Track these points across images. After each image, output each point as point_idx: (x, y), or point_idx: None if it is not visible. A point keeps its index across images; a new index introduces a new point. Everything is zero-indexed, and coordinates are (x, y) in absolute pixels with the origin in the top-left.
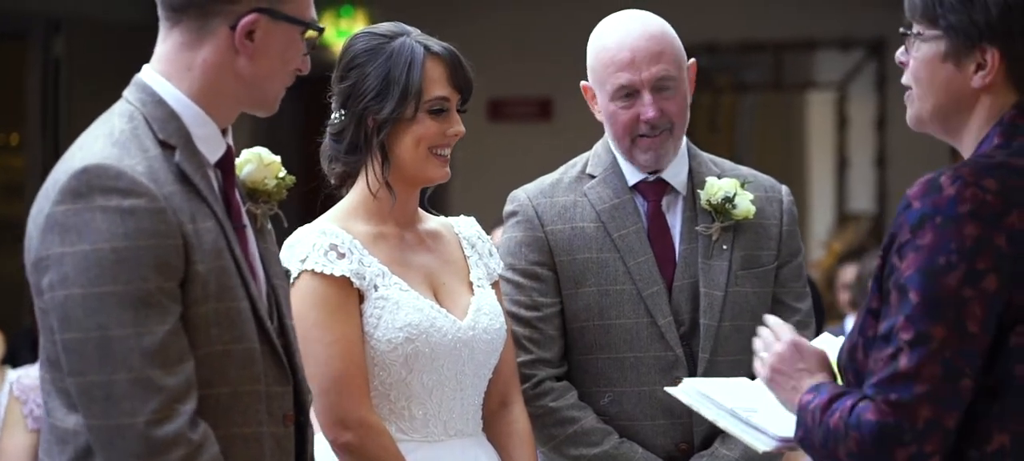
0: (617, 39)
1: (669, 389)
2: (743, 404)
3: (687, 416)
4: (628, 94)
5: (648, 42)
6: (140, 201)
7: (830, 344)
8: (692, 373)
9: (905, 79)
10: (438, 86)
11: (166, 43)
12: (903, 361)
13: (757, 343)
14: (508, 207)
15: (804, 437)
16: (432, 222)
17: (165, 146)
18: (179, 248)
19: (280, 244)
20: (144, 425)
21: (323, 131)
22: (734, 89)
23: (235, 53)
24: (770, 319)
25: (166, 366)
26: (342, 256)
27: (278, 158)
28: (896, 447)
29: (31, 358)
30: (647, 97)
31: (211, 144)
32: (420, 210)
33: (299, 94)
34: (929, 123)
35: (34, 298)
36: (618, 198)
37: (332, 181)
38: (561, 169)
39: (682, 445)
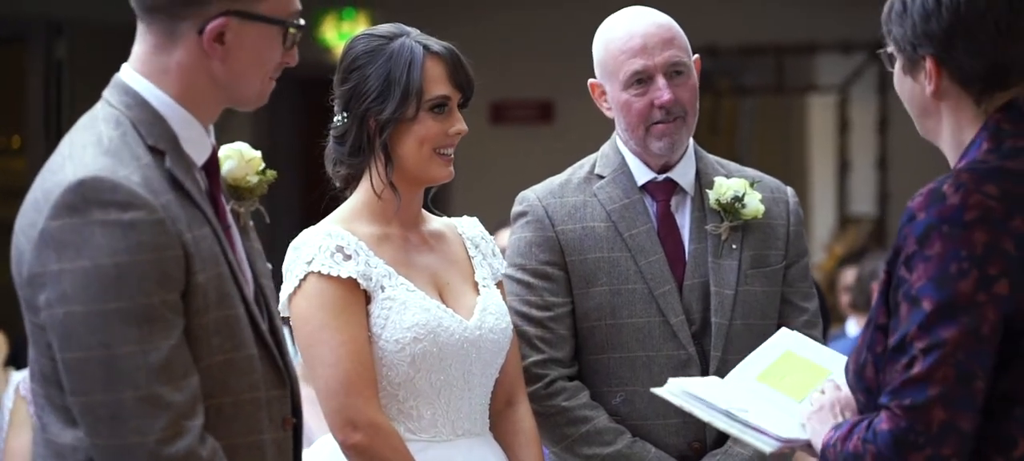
0: (626, 29)
1: (656, 390)
2: (734, 404)
3: (677, 439)
4: (641, 80)
5: (659, 29)
6: (140, 213)
7: (837, 363)
8: (704, 372)
9: None
10: (439, 85)
11: (143, 44)
12: (917, 367)
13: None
14: (517, 208)
15: None
16: (435, 223)
17: (155, 152)
18: (180, 259)
19: (275, 236)
20: (154, 444)
21: (326, 134)
22: (735, 92)
23: (206, 56)
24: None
25: (173, 381)
26: (348, 257)
27: (259, 153)
28: (912, 453)
29: None
30: (661, 81)
31: (197, 146)
32: (423, 211)
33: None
34: (924, 134)
35: (26, 314)
36: (628, 198)
37: (337, 183)
38: (569, 170)
39: (695, 444)
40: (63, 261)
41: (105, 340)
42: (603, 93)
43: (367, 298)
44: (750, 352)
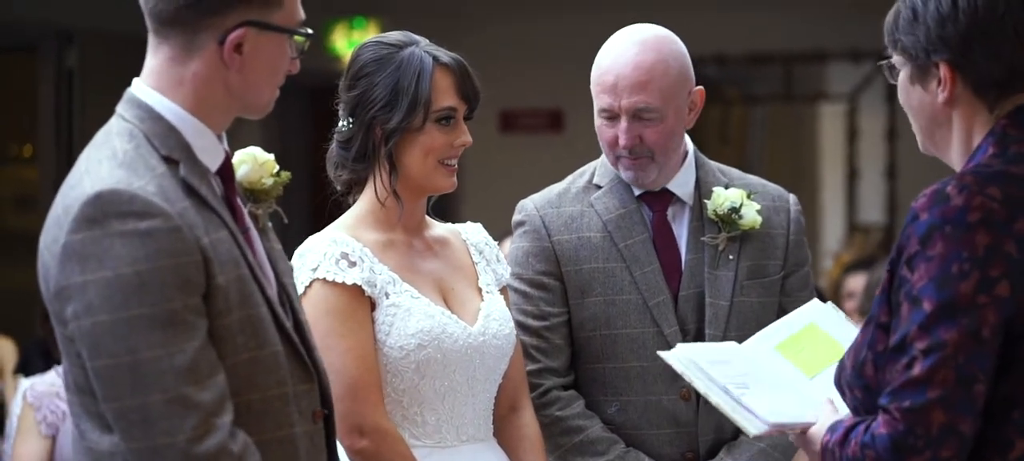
0: (610, 60)
1: (661, 353)
2: (735, 380)
3: (693, 425)
4: (610, 116)
5: (634, 71)
6: (156, 222)
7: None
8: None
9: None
10: (446, 96)
11: (156, 57)
12: (917, 368)
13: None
14: (516, 217)
15: None
16: (439, 229)
17: (169, 161)
18: (199, 264)
19: (284, 244)
20: (185, 443)
21: (330, 138)
22: (744, 101)
23: (225, 66)
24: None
25: (199, 382)
26: (353, 264)
27: (272, 156)
28: (911, 456)
29: (43, 367)
30: (623, 123)
31: (210, 153)
32: (427, 217)
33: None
34: (925, 146)
35: (56, 327)
36: (624, 208)
37: (338, 187)
38: (569, 179)
39: (688, 454)
40: (87, 273)
41: (131, 346)
42: None
43: (372, 305)
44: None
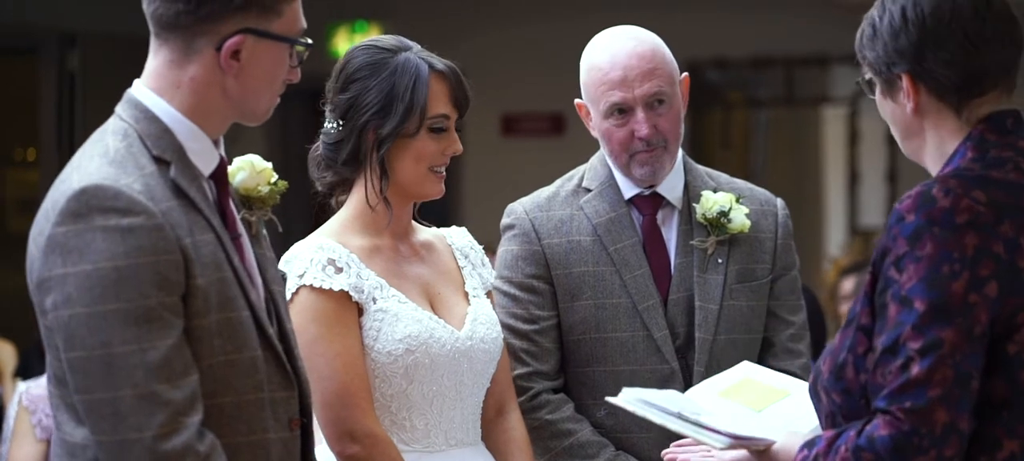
0: (609, 57)
1: (610, 399)
2: (687, 408)
3: (639, 431)
4: (622, 111)
5: (639, 60)
6: (138, 219)
7: (795, 385)
8: (688, 386)
9: None
10: (441, 104)
11: (156, 59)
12: (915, 369)
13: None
14: (505, 220)
15: None
16: (425, 233)
17: (160, 162)
18: (179, 263)
19: (277, 250)
20: (151, 439)
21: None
22: (746, 105)
23: (222, 72)
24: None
25: (171, 380)
26: (340, 270)
27: (269, 164)
28: (916, 455)
29: (42, 370)
30: (640, 114)
31: (204, 157)
32: (413, 222)
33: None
34: (907, 154)
35: (38, 317)
36: (614, 211)
37: (319, 188)
38: (558, 182)
39: None
40: (67, 265)
41: (105, 339)
42: (588, 114)
43: (359, 310)
44: (734, 366)
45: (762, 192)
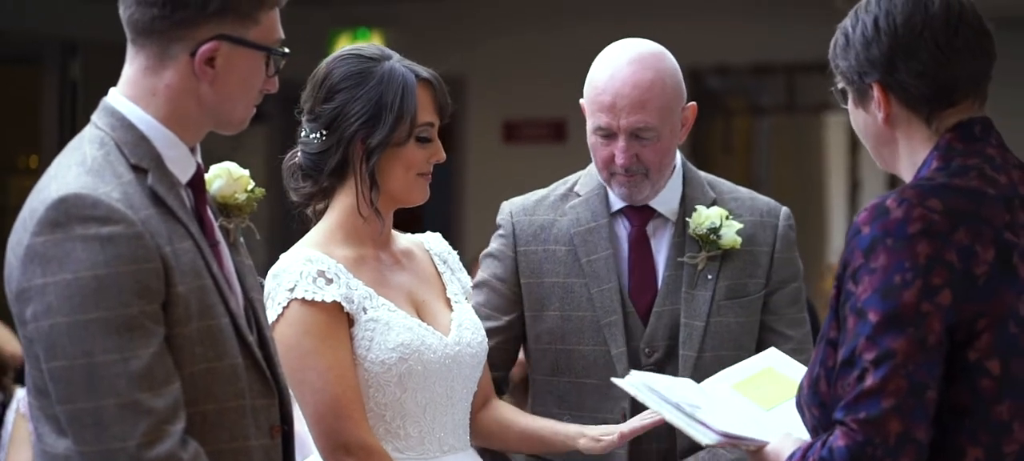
0: (606, 78)
1: (615, 380)
2: (688, 400)
3: (648, 443)
4: (606, 134)
5: (632, 90)
6: (118, 228)
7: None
8: (636, 407)
9: None
10: (427, 112)
11: (132, 66)
12: (869, 379)
13: None
14: (498, 216)
15: None
16: (403, 241)
17: (137, 170)
18: (159, 271)
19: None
20: (135, 448)
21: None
22: (748, 111)
23: (196, 79)
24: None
25: (153, 388)
26: (330, 281)
27: (247, 172)
28: None
29: None
30: (621, 142)
31: (182, 164)
32: (392, 230)
33: None
34: (879, 163)
35: (18, 328)
36: (595, 221)
37: (295, 198)
38: (554, 185)
39: None
40: (47, 275)
41: (87, 349)
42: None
43: (350, 321)
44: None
45: (765, 202)
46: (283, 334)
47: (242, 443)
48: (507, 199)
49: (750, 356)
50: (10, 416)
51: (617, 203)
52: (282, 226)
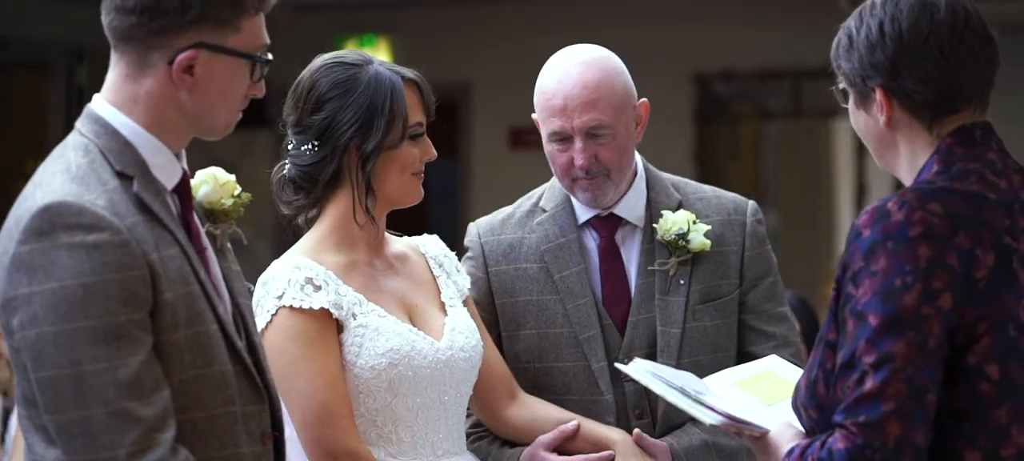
0: (555, 82)
1: (619, 366)
2: (692, 386)
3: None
4: (562, 139)
5: (582, 90)
6: (104, 235)
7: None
8: (642, 416)
9: None
10: (416, 112)
11: (114, 72)
12: (869, 383)
13: None
14: (465, 239)
15: None
16: (398, 244)
17: (122, 177)
18: (146, 278)
19: (262, 264)
20: (125, 457)
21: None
22: (755, 117)
23: (175, 87)
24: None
25: (142, 397)
26: (318, 288)
27: (233, 177)
28: None
29: None
30: (578, 143)
31: (167, 171)
32: (386, 233)
33: None
34: (880, 165)
35: (4, 338)
36: (564, 236)
37: (286, 211)
38: (518, 201)
39: None
40: (33, 284)
41: (74, 358)
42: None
43: (339, 328)
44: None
45: (731, 199)
46: (272, 342)
47: (233, 450)
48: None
49: (728, 358)
50: (13, 422)
51: (584, 215)
52: (288, 232)
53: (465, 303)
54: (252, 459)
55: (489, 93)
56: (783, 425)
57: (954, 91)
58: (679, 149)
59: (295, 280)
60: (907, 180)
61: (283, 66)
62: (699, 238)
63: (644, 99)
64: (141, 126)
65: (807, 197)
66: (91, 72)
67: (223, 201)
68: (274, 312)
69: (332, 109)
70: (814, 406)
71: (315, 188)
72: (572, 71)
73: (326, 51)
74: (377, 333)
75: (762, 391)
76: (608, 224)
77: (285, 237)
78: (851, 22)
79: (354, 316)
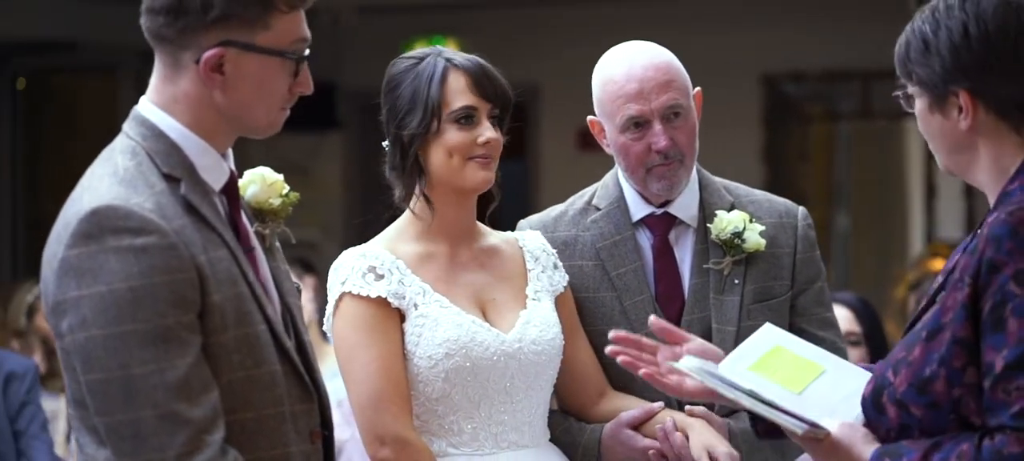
0: (624, 70)
1: (672, 363)
2: (757, 386)
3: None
4: (638, 124)
5: (656, 72)
6: (152, 238)
7: (828, 360)
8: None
9: None
10: (461, 96)
11: (156, 74)
12: None
13: None
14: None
15: None
16: (493, 238)
17: (170, 179)
18: (194, 281)
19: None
20: (174, 459)
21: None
22: (825, 118)
23: (206, 86)
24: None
25: (191, 398)
26: (381, 277)
27: (280, 177)
28: None
29: None
30: (657, 127)
31: (214, 172)
32: (481, 227)
33: None
34: (949, 169)
35: (55, 341)
36: (619, 234)
37: (397, 203)
38: (570, 200)
39: None
40: (82, 287)
41: (123, 361)
42: (602, 131)
43: (402, 317)
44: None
45: (782, 203)
46: (336, 327)
47: (282, 450)
48: None
49: None
50: (62, 424)
51: (638, 213)
52: (359, 231)
53: (558, 300)
54: (301, 458)
55: (557, 95)
56: (845, 425)
57: None
58: (747, 151)
59: (358, 268)
60: (989, 184)
61: (350, 68)
62: (754, 238)
63: (697, 88)
64: (186, 127)
65: (878, 199)
66: None
67: (271, 200)
68: (338, 298)
69: (390, 101)
70: (923, 404)
71: (398, 178)
72: (639, 57)
73: (394, 53)
74: (436, 324)
75: (783, 376)
76: (662, 222)
77: (353, 237)
78: (924, 26)
79: (416, 306)
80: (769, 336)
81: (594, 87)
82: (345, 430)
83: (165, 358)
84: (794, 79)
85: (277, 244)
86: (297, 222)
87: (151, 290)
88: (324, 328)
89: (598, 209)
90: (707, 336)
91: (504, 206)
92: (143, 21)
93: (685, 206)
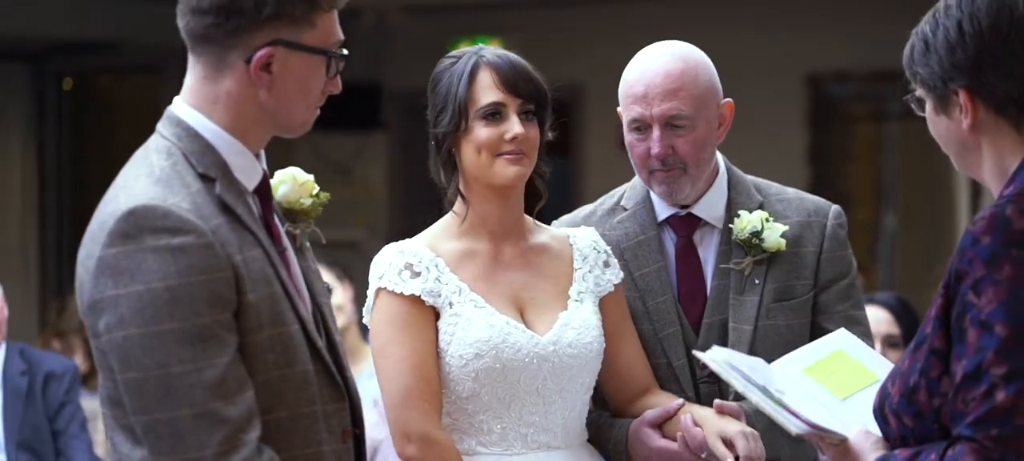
0: (638, 71)
1: (697, 353)
2: (773, 383)
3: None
4: (640, 128)
5: (664, 79)
6: (189, 238)
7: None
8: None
9: None
10: (488, 93)
11: (193, 75)
12: (1000, 395)
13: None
14: None
15: None
16: (543, 235)
17: (205, 179)
18: (230, 280)
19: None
20: (212, 457)
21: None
22: (872, 118)
23: (254, 85)
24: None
25: (228, 397)
26: (417, 275)
27: (311, 177)
28: None
29: None
30: (656, 132)
31: (248, 172)
32: (531, 223)
33: None
34: (963, 171)
35: (91, 340)
36: (644, 234)
37: (449, 201)
38: (599, 200)
39: None
40: (119, 287)
41: (161, 360)
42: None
43: (436, 315)
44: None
45: (813, 201)
46: (372, 322)
47: (315, 448)
48: None
49: None
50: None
51: (663, 213)
52: (401, 231)
53: (605, 300)
54: (333, 457)
55: (600, 94)
56: (861, 433)
57: None
58: (793, 152)
59: (395, 264)
60: (992, 183)
61: (394, 68)
62: (774, 237)
63: (729, 99)
64: (222, 128)
65: (925, 199)
66: None
67: (302, 201)
68: (375, 293)
69: (430, 101)
70: (911, 414)
71: (441, 177)
72: (657, 61)
73: (440, 53)
74: (469, 323)
75: (833, 380)
76: (686, 223)
77: (397, 237)
78: (925, 27)
79: (450, 305)
80: (836, 341)
81: (620, 81)
82: (382, 429)
83: (203, 357)
84: (839, 79)
85: (307, 244)
86: (341, 222)
87: (189, 289)
88: (364, 322)
89: (625, 209)
90: (725, 337)
91: (547, 205)
92: (185, 21)
93: (710, 207)
